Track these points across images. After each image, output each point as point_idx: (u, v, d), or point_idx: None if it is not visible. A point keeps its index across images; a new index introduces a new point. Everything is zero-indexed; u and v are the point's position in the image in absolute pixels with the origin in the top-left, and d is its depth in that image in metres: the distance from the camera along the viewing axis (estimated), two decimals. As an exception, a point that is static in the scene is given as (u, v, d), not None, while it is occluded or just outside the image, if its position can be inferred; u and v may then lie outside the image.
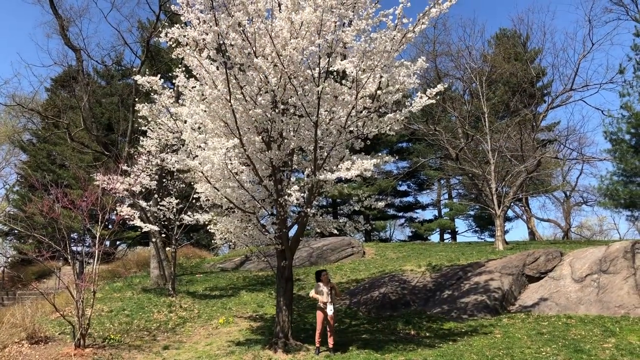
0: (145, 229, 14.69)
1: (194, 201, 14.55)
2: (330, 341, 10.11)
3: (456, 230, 40.15)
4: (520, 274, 14.53)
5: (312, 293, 10.57)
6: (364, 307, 14.56)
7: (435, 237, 40.88)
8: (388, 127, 9.92)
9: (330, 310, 10.13)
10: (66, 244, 11.78)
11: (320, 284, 10.44)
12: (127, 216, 13.67)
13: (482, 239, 39.61)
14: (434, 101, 9.79)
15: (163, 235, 17.73)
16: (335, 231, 11.22)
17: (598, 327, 10.69)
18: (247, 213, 10.51)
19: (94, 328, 12.35)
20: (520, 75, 27.80)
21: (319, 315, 10.27)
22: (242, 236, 10.96)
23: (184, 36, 9.16)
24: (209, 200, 10.94)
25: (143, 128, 14.34)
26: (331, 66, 9.31)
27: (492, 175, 23.37)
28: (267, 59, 9.14)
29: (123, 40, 23.41)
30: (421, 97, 9.61)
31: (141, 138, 14.78)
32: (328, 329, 10.15)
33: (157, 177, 16.57)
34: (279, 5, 9.73)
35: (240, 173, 9.86)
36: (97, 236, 11.93)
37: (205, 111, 10.08)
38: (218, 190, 9.93)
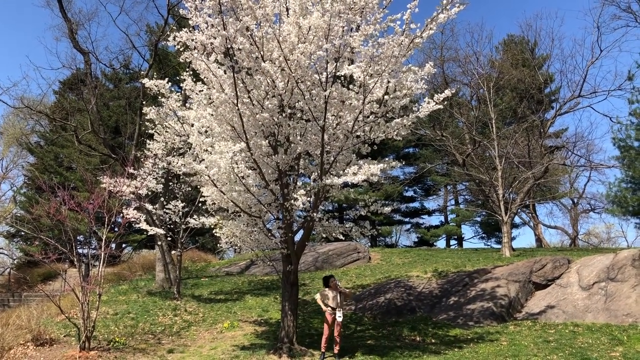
0: (151, 232, 14.71)
1: (200, 205, 14.55)
2: (336, 347, 10.06)
3: (462, 236, 40.02)
4: (527, 281, 14.44)
5: (317, 298, 10.54)
6: (370, 312, 14.50)
7: (441, 243, 40.81)
8: (395, 132, 9.91)
9: (339, 317, 10.09)
10: (72, 246, 11.80)
11: (328, 289, 10.42)
12: (133, 219, 13.69)
13: (488, 245, 39.47)
14: (441, 107, 9.76)
15: (169, 238, 17.73)
16: (341, 236, 11.19)
17: (605, 336, 10.59)
18: (253, 217, 10.51)
19: (99, 331, 12.35)
20: (528, 82, 27.74)
21: (328, 320, 10.23)
22: (247, 240, 10.95)
23: (192, 40, 9.18)
24: (215, 203, 10.94)
25: (150, 131, 14.39)
26: (338, 71, 9.30)
27: (499, 182, 23.29)
28: (274, 63, 9.15)
29: (131, 43, 23.56)
30: (428, 103, 9.60)
31: (148, 141, 14.83)
32: (335, 335, 10.10)
33: (163, 180, 16.61)
34: (287, 9, 9.75)
35: (246, 177, 9.85)
36: (103, 239, 11.96)
37: (212, 115, 10.10)
38: (224, 194, 9.93)
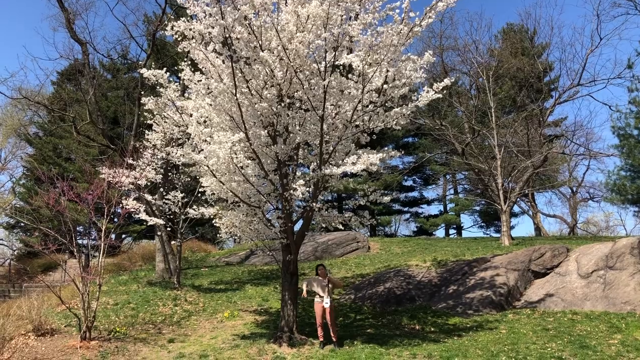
0: (150, 223, 14.70)
1: (199, 195, 14.54)
2: (333, 335, 10.12)
3: (462, 225, 40.08)
4: (526, 269, 14.49)
5: (304, 286, 10.60)
6: (369, 301, 14.56)
7: (440, 233, 40.84)
8: (394, 122, 9.88)
9: (326, 303, 10.16)
10: (72, 237, 11.80)
11: (319, 277, 10.51)
12: (132, 210, 13.69)
13: (487, 234, 39.57)
14: (440, 95, 9.73)
15: (168, 228, 17.74)
16: (341, 226, 11.20)
17: (604, 323, 10.64)
18: (252, 207, 10.51)
19: (99, 321, 12.40)
20: (527, 70, 27.64)
21: (317, 309, 10.31)
22: (247, 230, 10.96)
23: (190, 29, 9.13)
24: (214, 194, 10.94)
25: (149, 122, 14.35)
26: (337, 60, 9.26)
27: (498, 171, 23.29)
28: (273, 53, 9.10)
29: (129, 33, 23.45)
30: (428, 92, 9.56)
31: (147, 132, 14.80)
32: (329, 323, 10.15)
33: (162, 170, 16.58)
34: (285, -2, 9.68)
35: (245, 167, 9.85)
36: (103, 229, 11.96)
37: (210, 105, 10.07)
38: (223, 184, 9.92)
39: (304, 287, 10.56)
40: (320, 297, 10.30)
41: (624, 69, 23.38)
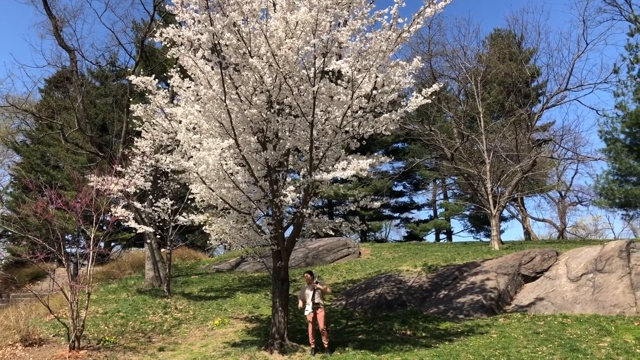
0: (140, 230, 14.60)
1: (189, 202, 14.48)
2: (324, 341, 10.09)
3: (452, 230, 40.18)
4: (516, 273, 14.54)
5: (299, 298, 10.73)
6: (360, 307, 14.54)
7: (430, 238, 40.92)
8: (384, 127, 9.92)
9: (307, 311, 10.17)
10: (60, 246, 11.70)
11: (305, 285, 10.55)
12: (121, 217, 13.60)
13: (477, 239, 39.67)
14: (429, 101, 9.79)
15: (158, 236, 17.63)
16: (331, 232, 11.20)
17: (594, 326, 10.70)
18: (242, 214, 10.48)
19: (88, 330, 12.28)
20: (515, 75, 27.86)
21: (308, 316, 10.31)
22: (237, 237, 10.92)
23: (179, 36, 9.12)
24: (204, 201, 10.90)
25: (137, 129, 14.27)
26: (326, 66, 9.28)
27: (487, 175, 23.41)
28: (262, 59, 9.11)
29: (117, 40, 23.41)
30: (416, 97, 9.62)
31: (135, 139, 14.71)
32: (321, 329, 10.13)
33: (151, 178, 16.49)
34: (274, 5, 9.70)
35: (235, 173, 9.82)
36: (92, 237, 11.86)
37: (200, 111, 10.04)
38: (213, 191, 9.89)
39: (299, 300, 10.61)
40: (306, 304, 10.33)
41: (610, 74, 23.61)
